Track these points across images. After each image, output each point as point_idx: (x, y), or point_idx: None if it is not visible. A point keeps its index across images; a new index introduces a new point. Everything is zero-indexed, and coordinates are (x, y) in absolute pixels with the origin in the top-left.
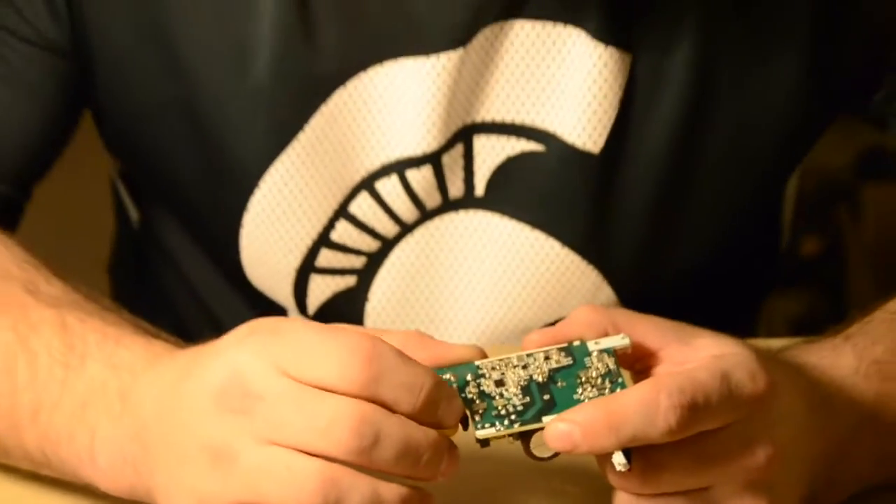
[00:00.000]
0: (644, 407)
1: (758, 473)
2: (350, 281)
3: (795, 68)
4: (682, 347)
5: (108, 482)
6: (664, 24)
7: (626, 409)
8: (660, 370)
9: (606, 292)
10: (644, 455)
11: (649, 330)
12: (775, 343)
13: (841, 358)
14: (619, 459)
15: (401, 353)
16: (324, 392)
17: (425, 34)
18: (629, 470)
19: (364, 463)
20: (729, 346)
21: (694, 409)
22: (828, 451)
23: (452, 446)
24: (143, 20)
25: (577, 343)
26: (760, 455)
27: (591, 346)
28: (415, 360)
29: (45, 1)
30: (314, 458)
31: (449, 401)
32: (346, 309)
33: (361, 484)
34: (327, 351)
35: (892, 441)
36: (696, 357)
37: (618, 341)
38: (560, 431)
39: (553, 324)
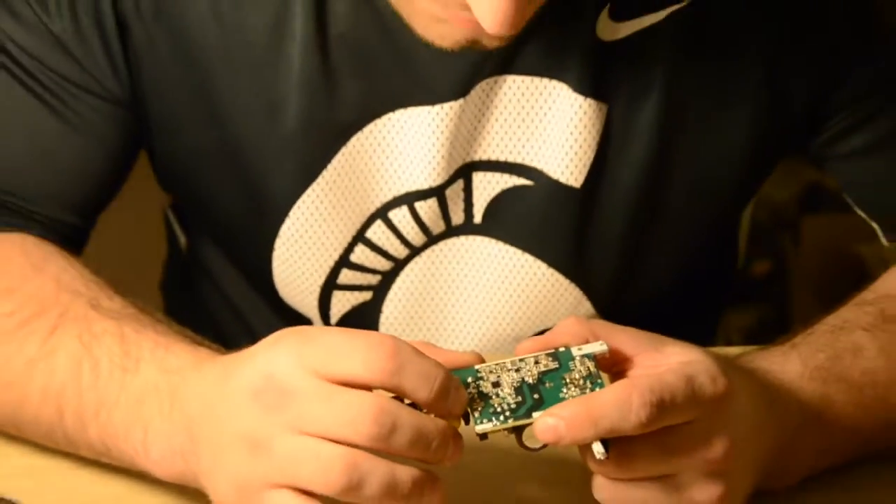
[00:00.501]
0: (619, 404)
1: (716, 464)
2: (366, 296)
3: (750, 114)
4: (654, 354)
5: (160, 470)
6: (635, 79)
7: (604, 405)
8: (633, 373)
9: (586, 306)
10: (619, 446)
11: (625, 339)
12: (732, 350)
13: (788, 364)
14: (598, 448)
15: (417, 350)
16: (347, 388)
17: (431, 87)
18: (606, 458)
19: (383, 448)
20: (694, 353)
21: (661, 407)
22: (776, 444)
23: (458, 435)
24: (190, 78)
25: (562, 349)
26: (719, 447)
27: (575, 351)
28: (428, 356)
29: (108, 62)
30: (339, 446)
31: (457, 390)
32: (362, 320)
33: (380, 466)
34: (355, 348)
35: (832, 436)
36: (665, 362)
37: (597, 347)
38: (547, 425)
39: (542, 332)
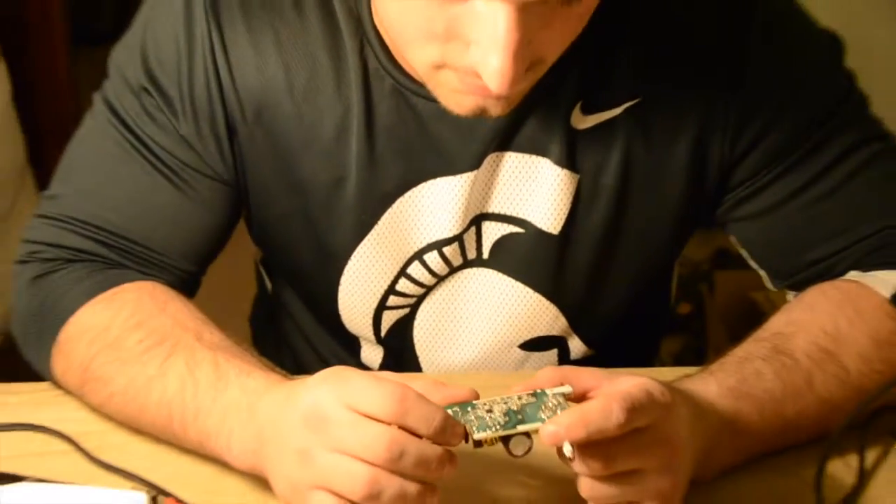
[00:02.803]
0: (603, 411)
1: (669, 459)
2: (405, 312)
3: (681, 182)
4: (610, 383)
5: (238, 463)
6: (599, 156)
7: (593, 413)
8: (600, 392)
9: (562, 321)
10: (601, 449)
11: (588, 376)
12: (665, 371)
13: (708, 386)
14: (567, 448)
15: (421, 397)
16: (370, 420)
17: (452, 163)
18: (573, 456)
19: (393, 469)
20: (641, 378)
21: (633, 411)
22: (702, 447)
23: (453, 456)
24: (278, 162)
25: (539, 391)
26: (671, 447)
27: (549, 391)
28: (431, 402)
29: (219, 154)
30: (365, 464)
31: (453, 428)
32: (402, 329)
33: (395, 481)
34: (373, 394)
35: (742, 439)
36: (621, 387)
37: (566, 389)
38: (551, 430)
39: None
